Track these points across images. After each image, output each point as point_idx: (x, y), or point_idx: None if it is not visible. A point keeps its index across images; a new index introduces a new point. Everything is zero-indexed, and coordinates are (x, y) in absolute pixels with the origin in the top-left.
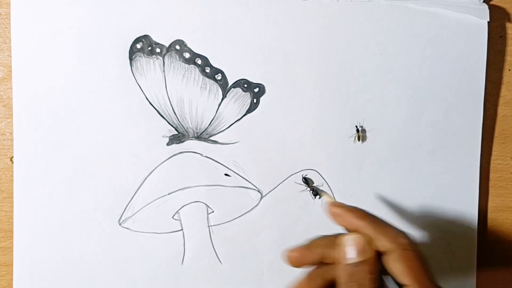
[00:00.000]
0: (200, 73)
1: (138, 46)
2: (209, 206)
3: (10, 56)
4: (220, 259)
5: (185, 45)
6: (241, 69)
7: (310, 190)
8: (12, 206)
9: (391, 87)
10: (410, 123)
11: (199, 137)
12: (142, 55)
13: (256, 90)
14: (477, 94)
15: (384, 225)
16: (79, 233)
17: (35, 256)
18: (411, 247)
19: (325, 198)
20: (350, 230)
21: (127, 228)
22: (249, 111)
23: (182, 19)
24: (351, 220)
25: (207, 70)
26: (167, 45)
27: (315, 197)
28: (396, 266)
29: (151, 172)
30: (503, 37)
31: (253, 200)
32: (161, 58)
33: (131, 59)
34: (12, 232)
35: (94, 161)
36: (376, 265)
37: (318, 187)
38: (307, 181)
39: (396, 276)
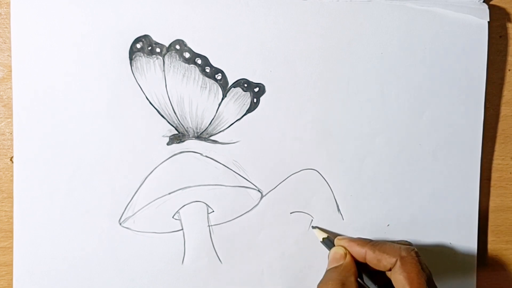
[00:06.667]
0: (200, 73)
1: (138, 46)
2: (209, 205)
3: (10, 56)
4: (220, 258)
5: (185, 45)
6: (241, 68)
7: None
8: (12, 206)
9: (391, 87)
10: (410, 123)
11: (199, 136)
12: (142, 55)
13: (256, 89)
14: (478, 94)
15: (384, 246)
16: (79, 233)
17: (35, 256)
18: (410, 259)
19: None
20: (357, 259)
21: (127, 228)
22: (249, 110)
23: (182, 19)
24: (356, 249)
25: (207, 69)
26: (167, 45)
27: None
28: (398, 277)
29: (151, 171)
30: (503, 37)
31: (253, 199)
32: (161, 58)
33: (131, 59)
34: (12, 232)
35: (94, 160)
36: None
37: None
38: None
39: (399, 287)
